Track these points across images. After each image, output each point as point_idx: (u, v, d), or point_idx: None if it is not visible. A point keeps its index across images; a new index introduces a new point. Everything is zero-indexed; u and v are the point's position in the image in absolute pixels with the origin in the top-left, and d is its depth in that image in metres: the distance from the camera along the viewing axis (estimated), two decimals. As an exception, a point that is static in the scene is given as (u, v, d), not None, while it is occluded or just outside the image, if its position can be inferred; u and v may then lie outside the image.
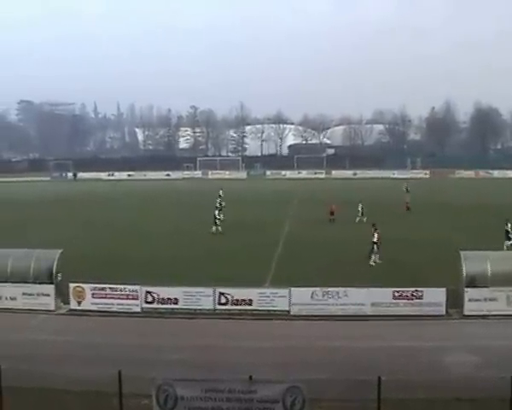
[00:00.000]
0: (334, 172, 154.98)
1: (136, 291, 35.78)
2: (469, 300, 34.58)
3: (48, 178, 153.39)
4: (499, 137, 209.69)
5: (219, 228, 62.61)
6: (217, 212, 65.44)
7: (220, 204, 72.69)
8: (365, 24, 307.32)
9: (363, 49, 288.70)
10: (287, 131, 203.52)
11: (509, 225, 52.22)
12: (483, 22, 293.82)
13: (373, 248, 47.31)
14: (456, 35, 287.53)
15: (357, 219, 67.03)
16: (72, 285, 36.47)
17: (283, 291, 35.22)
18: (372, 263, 46.90)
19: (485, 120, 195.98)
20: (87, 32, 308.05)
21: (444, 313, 34.46)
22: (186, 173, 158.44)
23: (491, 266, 34.65)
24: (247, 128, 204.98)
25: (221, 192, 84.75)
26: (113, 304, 35.92)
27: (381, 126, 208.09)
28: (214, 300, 35.39)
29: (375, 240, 47.30)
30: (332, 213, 69.77)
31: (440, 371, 25.92)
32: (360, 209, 68.47)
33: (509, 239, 52.03)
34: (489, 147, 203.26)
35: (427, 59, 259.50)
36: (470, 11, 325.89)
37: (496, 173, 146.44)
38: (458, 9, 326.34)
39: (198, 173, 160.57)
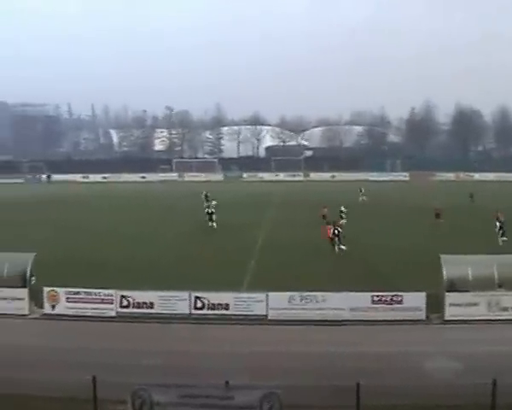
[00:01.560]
0: (312, 174, 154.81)
1: (111, 295, 35.44)
2: (450, 304, 34.46)
3: (21, 180, 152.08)
4: (480, 139, 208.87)
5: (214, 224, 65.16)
6: (208, 210, 68.05)
7: (208, 207, 71.90)
8: (343, 25, 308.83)
9: (341, 51, 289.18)
10: (264, 133, 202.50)
11: (501, 220, 55.97)
12: (465, 24, 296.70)
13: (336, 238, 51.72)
14: (438, 36, 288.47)
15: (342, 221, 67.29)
16: (46, 289, 36.06)
17: (260, 296, 34.98)
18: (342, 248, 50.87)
19: (467, 121, 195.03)
20: (61, 31, 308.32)
21: (424, 317, 34.33)
22: (162, 175, 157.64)
23: (472, 271, 34.50)
24: (224, 129, 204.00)
25: (203, 195, 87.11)
26: (87, 308, 35.51)
27: (360, 128, 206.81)
28: (190, 304, 35.08)
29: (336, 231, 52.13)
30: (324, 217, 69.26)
31: (420, 378, 25.73)
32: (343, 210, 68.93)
33: (503, 234, 54.77)
34: (470, 149, 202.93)
35: (407, 60, 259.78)
36: (452, 12, 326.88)
37: (477, 176, 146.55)
38: (439, 10, 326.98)
39: (174, 175, 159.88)
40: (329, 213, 66.95)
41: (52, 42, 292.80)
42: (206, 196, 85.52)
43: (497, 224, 55.26)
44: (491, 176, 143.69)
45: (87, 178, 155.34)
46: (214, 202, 74.84)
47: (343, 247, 52.14)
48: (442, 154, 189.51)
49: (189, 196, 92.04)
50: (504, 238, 54.54)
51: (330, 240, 53.61)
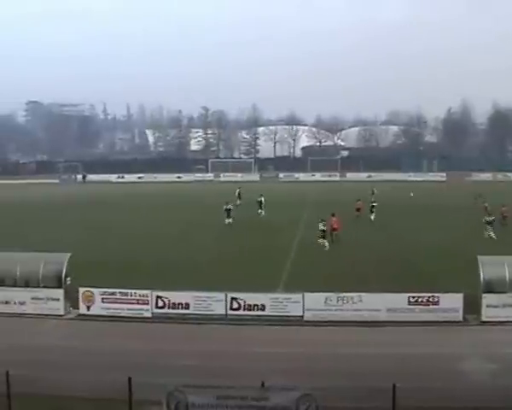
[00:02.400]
0: (348, 174, 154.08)
1: (146, 296, 35.39)
2: (487, 306, 33.99)
3: (57, 181, 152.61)
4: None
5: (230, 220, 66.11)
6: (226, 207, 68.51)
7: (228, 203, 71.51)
8: (379, 21, 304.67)
9: (377, 48, 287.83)
10: (300, 133, 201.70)
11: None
12: (504, 20, 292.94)
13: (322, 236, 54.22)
14: (475, 33, 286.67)
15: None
16: (81, 290, 36.12)
17: (297, 296, 34.78)
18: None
19: (504, 121, 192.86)
20: (97, 30, 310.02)
21: (461, 319, 33.96)
22: (197, 176, 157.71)
23: (510, 272, 34.01)
24: (260, 129, 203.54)
25: (236, 192, 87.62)
26: (122, 309, 35.56)
27: (396, 128, 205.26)
28: (226, 305, 34.95)
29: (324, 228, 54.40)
30: (358, 210, 73.09)
31: (458, 379, 25.49)
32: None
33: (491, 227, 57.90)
34: (507, 149, 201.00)
35: (444, 58, 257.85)
36: (490, 9, 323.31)
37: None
38: (477, 7, 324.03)
39: (210, 176, 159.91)
40: (364, 207, 72.77)
41: (87, 41, 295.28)
42: (239, 193, 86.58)
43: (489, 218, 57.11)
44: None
45: (122, 178, 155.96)
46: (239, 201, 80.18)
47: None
48: (479, 154, 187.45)
49: (224, 195, 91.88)
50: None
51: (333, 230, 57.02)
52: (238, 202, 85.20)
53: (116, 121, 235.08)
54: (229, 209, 69.89)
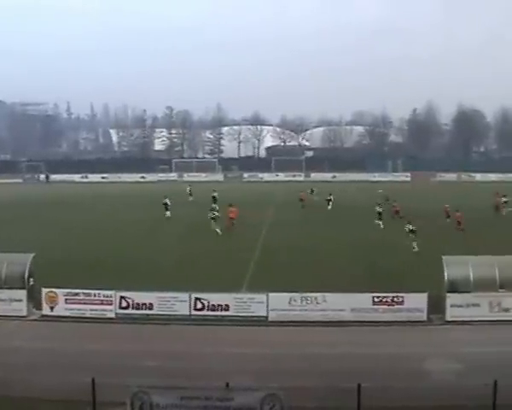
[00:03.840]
0: (312, 174, 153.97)
1: (110, 296, 35.28)
2: (451, 305, 34.41)
3: (20, 180, 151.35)
4: (482, 140, 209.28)
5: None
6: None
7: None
8: (345, 26, 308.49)
9: (342, 52, 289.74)
10: (264, 133, 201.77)
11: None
12: (468, 25, 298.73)
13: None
14: (440, 37, 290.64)
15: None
16: (44, 290, 35.87)
17: (261, 296, 34.85)
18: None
19: (468, 121, 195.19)
20: (58, 28, 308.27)
21: (425, 318, 34.30)
22: (161, 176, 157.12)
23: (474, 271, 34.42)
24: (224, 129, 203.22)
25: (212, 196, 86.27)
26: (86, 310, 35.36)
27: (361, 128, 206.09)
28: (190, 305, 34.92)
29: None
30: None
31: (422, 379, 25.66)
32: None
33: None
34: (472, 150, 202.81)
35: (409, 61, 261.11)
36: (455, 14, 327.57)
37: (478, 177, 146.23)
38: (442, 12, 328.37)
39: (173, 176, 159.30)
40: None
41: (51, 38, 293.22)
42: (214, 197, 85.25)
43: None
44: (492, 177, 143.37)
45: (86, 178, 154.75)
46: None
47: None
48: (444, 154, 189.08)
49: (185, 195, 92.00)
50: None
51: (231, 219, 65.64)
52: (190, 198, 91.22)
53: (80, 121, 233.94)
54: (166, 203, 74.68)
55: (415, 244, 52.86)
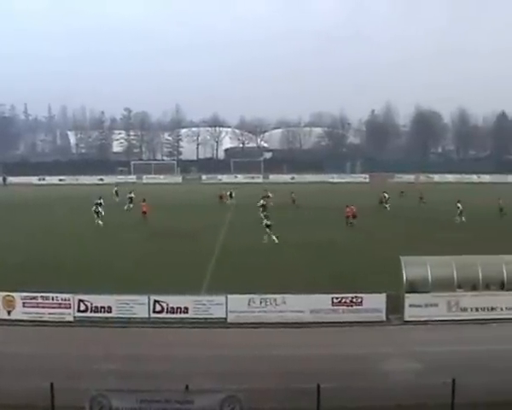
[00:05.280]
0: (271, 176, 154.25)
1: (68, 300, 35.00)
2: (410, 305, 34.73)
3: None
4: (440, 141, 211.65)
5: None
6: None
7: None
8: (306, 30, 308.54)
9: (301, 55, 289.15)
10: (223, 135, 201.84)
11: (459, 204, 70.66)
12: (427, 31, 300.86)
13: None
14: (400, 42, 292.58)
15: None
16: (1, 294, 35.46)
17: (220, 299, 34.85)
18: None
19: (426, 122, 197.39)
20: (16, 28, 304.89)
21: (384, 319, 34.59)
22: (120, 178, 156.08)
23: (432, 272, 34.74)
24: (183, 131, 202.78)
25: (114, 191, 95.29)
26: (44, 313, 35.04)
27: (319, 129, 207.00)
28: (149, 308, 34.81)
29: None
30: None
31: (381, 379, 25.85)
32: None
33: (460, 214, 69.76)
34: (430, 151, 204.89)
35: (367, 64, 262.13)
36: (414, 20, 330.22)
37: (436, 177, 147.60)
38: (402, 18, 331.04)
39: (132, 177, 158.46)
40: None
41: (6, 39, 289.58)
42: (117, 191, 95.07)
43: None
44: (450, 177, 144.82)
45: (43, 180, 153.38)
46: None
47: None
48: (402, 155, 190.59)
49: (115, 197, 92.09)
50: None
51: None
52: (117, 199, 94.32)
53: (37, 122, 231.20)
54: (100, 204, 75.79)
55: (273, 237, 57.82)
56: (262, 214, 67.22)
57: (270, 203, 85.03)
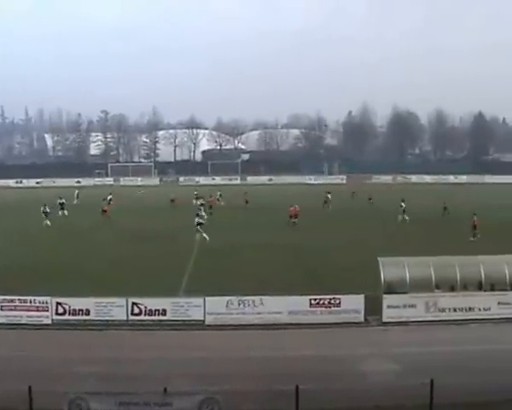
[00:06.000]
0: (249, 177, 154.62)
1: (46, 303, 34.84)
2: (388, 306, 34.84)
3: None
4: (417, 142, 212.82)
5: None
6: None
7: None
8: (283, 32, 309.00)
9: (278, 57, 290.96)
10: (200, 137, 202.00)
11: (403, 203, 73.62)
12: (404, 33, 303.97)
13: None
14: (377, 43, 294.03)
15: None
16: (-21, 298, 35.35)
17: (198, 301, 34.82)
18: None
19: (403, 124, 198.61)
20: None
21: (362, 320, 34.64)
22: (97, 180, 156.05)
23: (410, 272, 34.82)
24: (160, 133, 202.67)
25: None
26: (22, 316, 34.86)
27: (296, 131, 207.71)
28: (127, 310, 34.72)
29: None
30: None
31: (360, 380, 25.91)
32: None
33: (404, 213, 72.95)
34: (407, 152, 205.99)
35: (345, 65, 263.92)
36: (391, 22, 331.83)
37: (414, 178, 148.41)
38: (379, 20, 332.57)
39: (109, 180, 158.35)
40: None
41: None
42: (78, 194, 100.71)
43: None
44: (427, 178, 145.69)
45: (20, 183, 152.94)
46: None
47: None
48: (379, 156, 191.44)
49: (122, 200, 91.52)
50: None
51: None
52: (75, 201, 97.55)
53: (14, 125, 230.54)
54: (62, 203, 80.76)
55: (204, 235, 60.09)
56: (201, 213, 68.59)
57: (221, 203, 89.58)
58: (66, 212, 78.31)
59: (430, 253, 38.65)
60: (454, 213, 75.13)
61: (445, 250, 41.95)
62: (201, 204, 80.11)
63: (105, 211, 78.82)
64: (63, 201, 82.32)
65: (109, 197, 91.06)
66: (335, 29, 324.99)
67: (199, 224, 61.29)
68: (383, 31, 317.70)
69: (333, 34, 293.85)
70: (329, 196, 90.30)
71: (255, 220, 74.16)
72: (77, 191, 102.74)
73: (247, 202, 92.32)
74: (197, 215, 63.59)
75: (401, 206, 74.31)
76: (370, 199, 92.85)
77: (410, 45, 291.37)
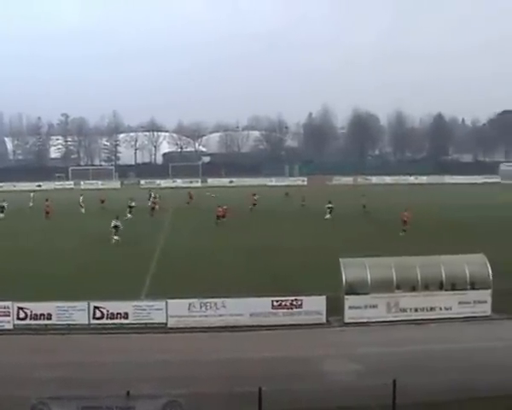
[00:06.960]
0: (210, 180, 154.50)
1: (7, 307, 34.54)
2: (350, 307, 35.01)
3: None
4: (377, 143, 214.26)
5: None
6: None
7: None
8: (243, 36, 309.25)
9: (240, 59, 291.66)
10: (161, 139, 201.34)
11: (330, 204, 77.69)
12: (362, 35, 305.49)
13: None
14: (337, 45, 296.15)
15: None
16: None
17: (160, 303, 34.78)
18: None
19: (364, 125, 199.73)
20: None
21: (324, 321, 34.78)
22: (58, 184, 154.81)
23: (371, 273, 35.07)
24: (120, 136, 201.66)
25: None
26: (-17, 321, 34.64)
27: (257, 133, 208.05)
28: (89, 314, 34.55)
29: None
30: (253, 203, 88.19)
31: (323, 381, 26.06)
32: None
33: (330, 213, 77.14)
34: (367, 153, 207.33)
35: (305, 68, 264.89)
36: (350, 25, 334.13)
37: (374, 179, 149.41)
38: (339, 22, 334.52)
39: (70, 183, 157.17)
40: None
41: None
42: (33, 197, 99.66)
43: None
44: (387, 179, 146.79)
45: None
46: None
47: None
48: (340, 158, 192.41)
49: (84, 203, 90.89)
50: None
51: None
52: (31, 204, 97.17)
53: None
54: (2, 207, 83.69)
55: (116, 237, 60.70)
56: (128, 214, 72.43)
57: (156, 206, 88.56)
58: (2, 215, 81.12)
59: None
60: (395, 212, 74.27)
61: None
62: (130, 207, 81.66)
63: (47, 213, 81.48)
64: (4, 204, 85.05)
65: (32, 194, 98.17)
66: (296, 32, 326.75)
67: (115, 226, 61.30)
68: (344, 35, 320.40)
69: (295, 38, 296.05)
70: (255, 197, 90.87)
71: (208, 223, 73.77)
72: (32, 194, 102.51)
73: (188, 203, 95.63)
74: (116, 218, 62.95)
75: (328, 207, 78.36)
76: (303, 200, 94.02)
77: (370, 48, 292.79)
